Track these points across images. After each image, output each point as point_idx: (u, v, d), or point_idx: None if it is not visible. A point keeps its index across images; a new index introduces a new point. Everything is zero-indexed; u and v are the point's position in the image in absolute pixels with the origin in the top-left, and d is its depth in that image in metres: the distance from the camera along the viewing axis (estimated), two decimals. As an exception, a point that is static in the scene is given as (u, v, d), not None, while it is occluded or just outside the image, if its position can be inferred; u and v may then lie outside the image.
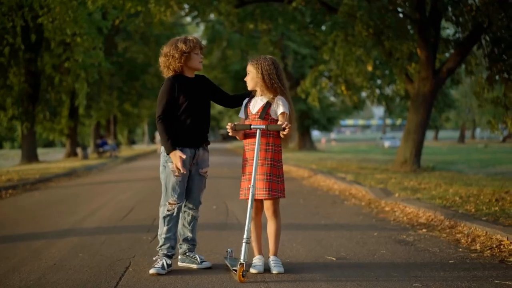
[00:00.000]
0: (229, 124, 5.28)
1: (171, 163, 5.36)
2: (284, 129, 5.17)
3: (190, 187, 5.52)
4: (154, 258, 5.40)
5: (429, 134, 74.48)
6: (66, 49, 23.62)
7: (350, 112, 50.22)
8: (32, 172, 18.68)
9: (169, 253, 5.38)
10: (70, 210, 10.07)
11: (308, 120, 42.57)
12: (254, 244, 5.44)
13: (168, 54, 5.36)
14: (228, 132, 5.32)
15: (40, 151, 32.77)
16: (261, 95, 5.40)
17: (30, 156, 26.77)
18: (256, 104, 5.40)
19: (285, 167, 21.13)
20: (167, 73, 5.43)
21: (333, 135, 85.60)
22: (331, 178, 14.61)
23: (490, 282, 4.90)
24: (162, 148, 5.44)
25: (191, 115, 5.37)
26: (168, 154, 5.34)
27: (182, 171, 5.31)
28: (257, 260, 5.36)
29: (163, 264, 5.27)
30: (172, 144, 5.30)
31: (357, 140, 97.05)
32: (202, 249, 6.20)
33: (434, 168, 19.09)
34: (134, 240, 6.92)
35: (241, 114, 5.49)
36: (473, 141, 77.56)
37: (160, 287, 4.81)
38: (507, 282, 4.86)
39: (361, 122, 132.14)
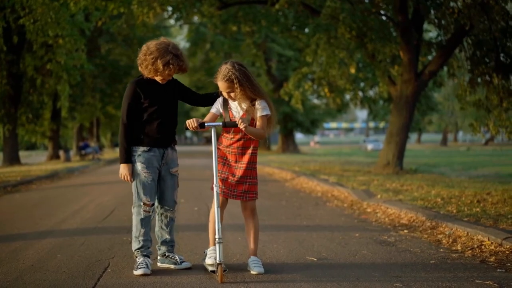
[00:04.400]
0: (194, 120, 5.20)
1: (139, 163, 5.30)
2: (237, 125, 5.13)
3: (162, 188, 5.46)
4: (136, 258, 5.33)
5: (412, 137, 74.90)
6: (48, 51, 23.46)
7: (333, 115, 50.34)
8: (14, 174, 18.52)
9: (148, 254, 5.34)
10: (50, 212, 9.96)
11: (291, 123, 42.61)
12: (211, 237, 5.39)
13: (146, 57, 5.19)
14: (187, 127, 5.21)
15: (22, 153, 32.54)
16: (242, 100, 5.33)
17: (12, 159, 26.54)
18: (239, 109, 5.32)
19: (268, 169, 21.15)
20: (139, 69, 5.32)
21: (316, 138, 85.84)
22: (314, 180, 14.61)
23: (470, 282, 4.89)
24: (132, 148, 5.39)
25: (159, 117, 5.32)
26: (120, 163, 5.33)
27: (130, 181, 5.33)
28: (211, 251, 5.33)
29: (147, 263, 5.22)
30: (128, 156, 5.29)
31: (340, 143, 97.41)
32: (182, 250, 6.17)
33: (417, 170, 19.15)
34: (114, 241, 6.85)
35: (213, 109, 5.42)
36: (456, 144, 78.15)
37: (139, 287, 4.76)
38: (488, 282, 4.85)
39: (344, 125, 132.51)
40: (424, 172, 18.63)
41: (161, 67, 5.14)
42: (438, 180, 14.12)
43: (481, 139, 68.70)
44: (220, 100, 5.43)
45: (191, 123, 5.18)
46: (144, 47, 5.27)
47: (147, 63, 5.18)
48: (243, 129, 5.09)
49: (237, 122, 5.10)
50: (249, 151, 5.33)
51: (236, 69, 5.16)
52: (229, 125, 5.20)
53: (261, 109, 5.27)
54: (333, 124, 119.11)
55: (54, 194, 13.58)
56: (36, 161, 32.54)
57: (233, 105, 5.36)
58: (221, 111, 5.40)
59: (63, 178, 19.16)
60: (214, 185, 5.12)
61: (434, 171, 21.25)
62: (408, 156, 32.47)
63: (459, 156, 39.36)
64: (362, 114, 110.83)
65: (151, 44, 5.25)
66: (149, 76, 5.28)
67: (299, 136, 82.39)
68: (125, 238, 6.97)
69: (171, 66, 5.16)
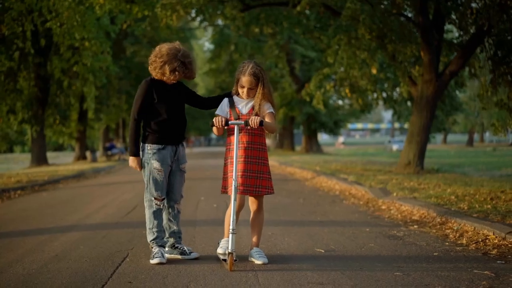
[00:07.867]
0: (220, 118, 5.48)
1: (154, 160, 5.64)
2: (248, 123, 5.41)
3: (172, 183, 5.80)
4: (151, 249, 5.65)
5: (438, 137, 74.53)
6: (74, 53, 23.96)
7: (357, 116, 50.27)
8: (41, 174, 19.00)
9: (163, 244, 5.67)
10: (75, 208, 10.37)
11: (314, 123, 42.67)
12: (226, 228, 5.69)
13: (156, 59, 5.56)
14: (213, 125, 5.48)
15: (50, 154, 33.13)
16: (248, 98, 5.63)
17: (40, 159, 27.13)
18: (246, 106, 5.63)
19: (290, 169, 21.28)
20: (149, 68, 5.67)
21: (341, 138, 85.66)
22: (333, 179, 14.82)
23: (469, 271, 5.12)
24: (144, 145, 5.71)
25: (170, 115, 5.65)
26: (129, 156, 5.71)
27: (139, 170, 5.73)
28: (224, 242, 5.68)
29: (162, 253, 5.55)
30: (136, 149, 5.67)
31: (366, 143, 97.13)
32: (198, 242, 6.50)
33: (438, 170, 19.20)
34: (134, 234, 7.21)
35: (219, 111, 5.66)
36: (482, 144, 77.46)
37: (155, 275, 5.07)
38: (486, 272, 5.08)
39: (370, 125, 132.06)
40: (445, 172, 18.70)
41: (167, 73, 5.55)
42: (458, 179, 14.20)
43: (508, 140, 68.21)
44: (225, 101, 5.70)
45: (219, 120, 5.46)
46: (156, 49, 5.65)
47: (155, 65, 5.55)
48: (259, 123, 5.35)
49: (250, 119, 5.39)
50: (257, 146, 5.60)
51: (261, 68, 5.56)
52: (248, 124, 5.46)
53: (267, 107, 5.57)
54: (359, 125, 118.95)
55: (80, 192, 14.00)
56: (63, 162, 33.12)
57: (240, 105, 5.65)
58: (227, 110, 5.66)
59: (89, 178, 19.61)
60: (233, 179, 5.38)
61: (457, 171, 21.29)
62: (432, 156, 32.46)
63: (485, 157, 39.16)
64: (387, 114, 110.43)
65: (163, 48, 5.61)
66: (156, 77, 5.62)
67: (324, 137, 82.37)
68: (145, 232, 7.24)
69: (176, 73, 5.57)
